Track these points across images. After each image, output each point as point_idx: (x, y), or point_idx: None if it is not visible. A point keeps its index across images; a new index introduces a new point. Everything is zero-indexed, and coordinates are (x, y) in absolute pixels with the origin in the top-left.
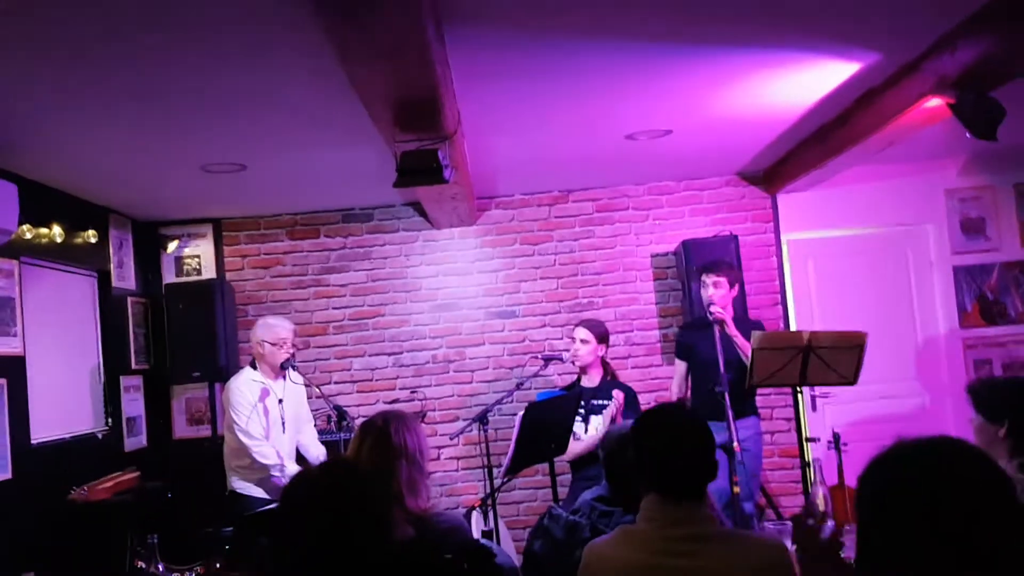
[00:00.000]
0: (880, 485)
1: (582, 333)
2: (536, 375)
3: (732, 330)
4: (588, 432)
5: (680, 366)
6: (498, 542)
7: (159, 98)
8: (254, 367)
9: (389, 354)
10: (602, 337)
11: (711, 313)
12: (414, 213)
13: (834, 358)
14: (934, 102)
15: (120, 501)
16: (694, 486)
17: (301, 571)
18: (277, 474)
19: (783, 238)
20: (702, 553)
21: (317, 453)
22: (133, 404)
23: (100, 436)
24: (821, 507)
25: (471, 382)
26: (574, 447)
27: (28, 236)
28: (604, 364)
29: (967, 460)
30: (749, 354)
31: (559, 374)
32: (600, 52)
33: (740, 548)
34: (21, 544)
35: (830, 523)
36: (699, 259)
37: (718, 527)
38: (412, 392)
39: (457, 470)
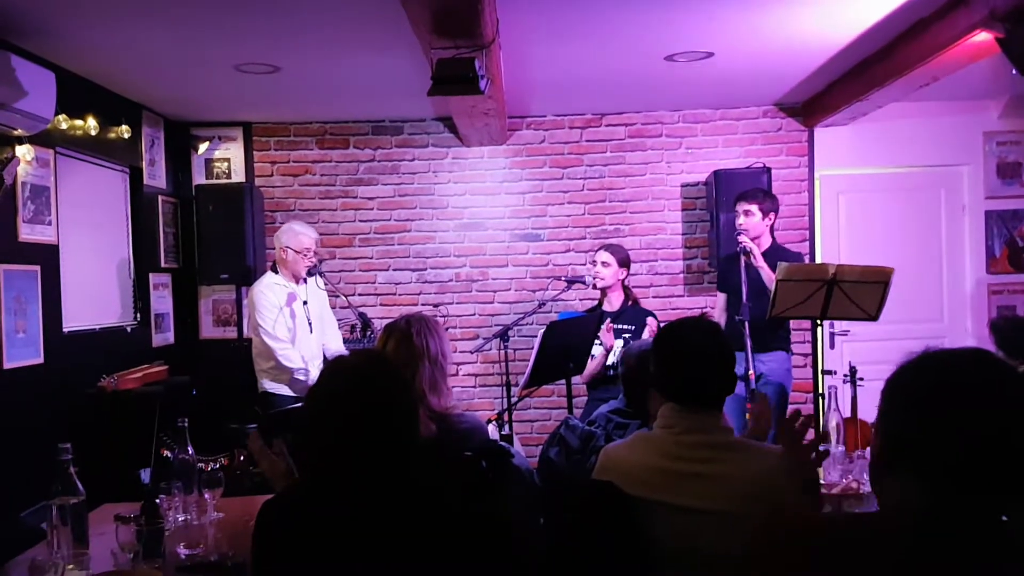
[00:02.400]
0: (905, 387)
1: (604, 256)
2: (556, 298)
3: (758, 261)
4: (609, 358)
5: (720, 298)
6: None
7: None
8: (275, 271)
9: (413, 270)
10: (623, 261)
11: (739, 240)
12: (444, 129)
13: (858, 293)
14: (982, 36)
15: (148, 392)
16: (712, 396)
17: (327, 459)
18: (301, 377)
19: (816, 173)
20: (716, 460)
21: None
22: (161, 301)
23: (129, 330)
24: (833, 434)
25: (492, 302)
26: (588, 367)
27: (64, 126)
28: (625, 289)
29: (993, 368)
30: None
31: (581, 299)
32: None
33: (753, 457)
34: (52, 424)
35: (840, 448)
36: (730, 190)
37: (733, 436)
38: (434, 308)
39: (475, 386)
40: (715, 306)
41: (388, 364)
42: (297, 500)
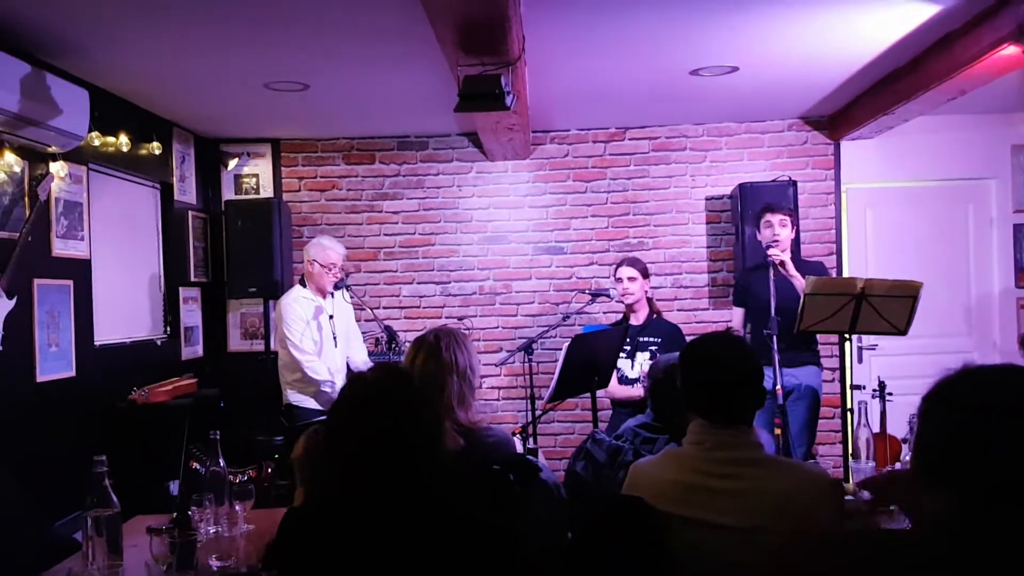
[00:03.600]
0: (944, 403)
1: (628, 271)
2: (581, 311)
3: (792, 271)
4: (634, 368)
5: (737, 313)
6: None
7: (224, 11)
8: (303, 284)
9: (437, 283)
10: (645, 272)
11: (770, 255)
12: (468, 144)
13: (887, 306)
14: (1010, 50)
15: (178, 405)
16: (741, 411)
17: (347, 470)
18: (327, 389)
19: (843, 186)
20: (747, 476)
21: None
22: (191, 315)
23: (159, 343)
24: (863, 449)
25: (516, 315)
26: (618, 390)
27: (96, 143)
28: (649, 302)
29: None
30: None
31: (604, 312)
32: None
33: (785, 474)
34: (84, 437)
35: (870, 464)
36: (755, 203)
37: (763, 453)
38: (459, 321)
39: (499, 399)
40: (732, 321)
41: (408, 378)
42: (319, 510)
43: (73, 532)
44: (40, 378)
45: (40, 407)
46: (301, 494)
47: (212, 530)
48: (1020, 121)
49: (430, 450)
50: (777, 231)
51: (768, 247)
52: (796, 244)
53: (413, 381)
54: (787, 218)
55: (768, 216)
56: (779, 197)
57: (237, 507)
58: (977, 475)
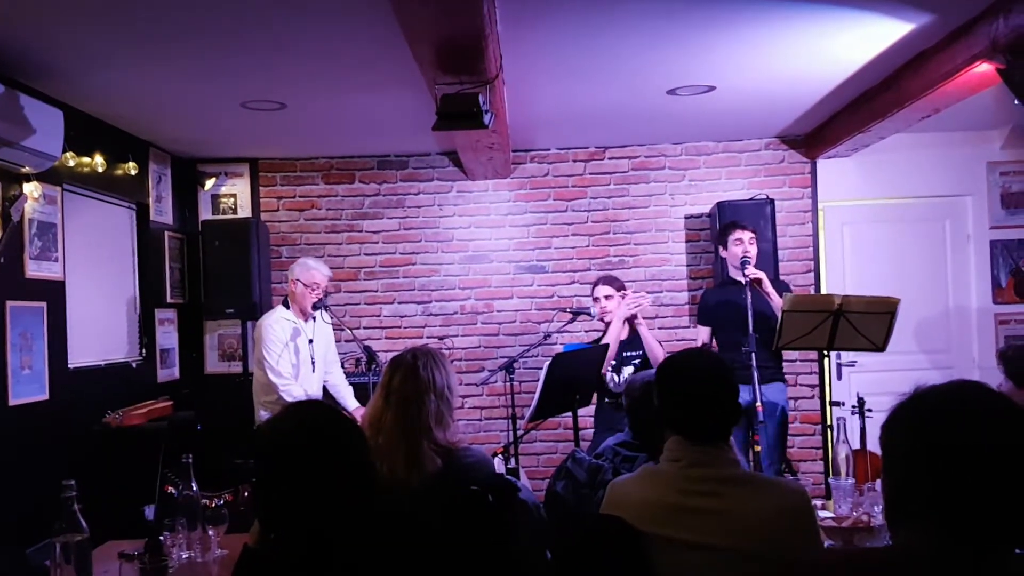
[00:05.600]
0: (900, 427)
1: (605, 290)
2: (562, 330)
3: (769, 289)
4: (620, 381)
5: (703, 331)
6: None
7: (200, 30)
8: (286, 306)
9: (418, 302)
10: (620, 288)
11: (746, 272)
12: (449, 163)
13: (865, 323)
14: (984, 68)
15: (153, 428)
16: (718, 428)
17: (287, 517)
18: None
19: (820, 204)
20: (724, 494)
21: (346, 393)
22: (167, 336)
23: (134, 365)
24: (843, 466)
25: (498, 334)
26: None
27: (71, 164)
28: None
29: (984, 398)
30: None
31: (586, 330)
32: (648, 1)
33: (762, 491)
34: (57, 461)
35: (850, 481)
36: None
37: (741, 470)
38: (440, 340)
39: (480, 419)
40: (698, 339)
41: (314, 420)
42: (270, 552)
43: (46, 558)
44: (12, 401)
45: (12, 431)
46: (257, 527)
47: (185, 555)
48: (995, 138)
49: (359, 490)
50: (748, 248)
51: (743, 264)
52: (775, 262)
53: (319, 419)
54: (755, 235)
55: (739, 233)
56: (757, 215)
57: (210, 532)
58: (945, 512)
